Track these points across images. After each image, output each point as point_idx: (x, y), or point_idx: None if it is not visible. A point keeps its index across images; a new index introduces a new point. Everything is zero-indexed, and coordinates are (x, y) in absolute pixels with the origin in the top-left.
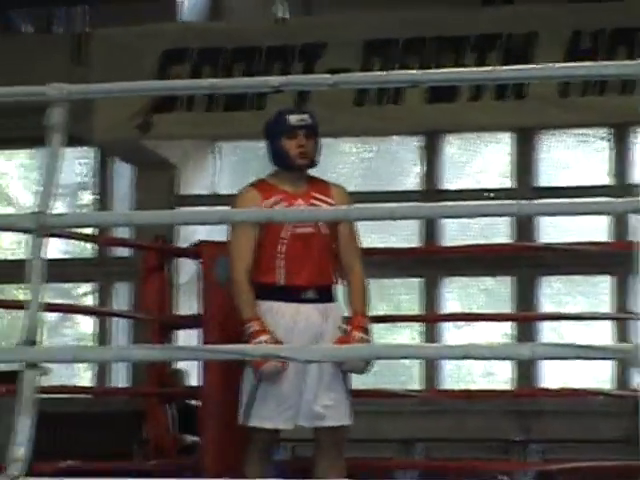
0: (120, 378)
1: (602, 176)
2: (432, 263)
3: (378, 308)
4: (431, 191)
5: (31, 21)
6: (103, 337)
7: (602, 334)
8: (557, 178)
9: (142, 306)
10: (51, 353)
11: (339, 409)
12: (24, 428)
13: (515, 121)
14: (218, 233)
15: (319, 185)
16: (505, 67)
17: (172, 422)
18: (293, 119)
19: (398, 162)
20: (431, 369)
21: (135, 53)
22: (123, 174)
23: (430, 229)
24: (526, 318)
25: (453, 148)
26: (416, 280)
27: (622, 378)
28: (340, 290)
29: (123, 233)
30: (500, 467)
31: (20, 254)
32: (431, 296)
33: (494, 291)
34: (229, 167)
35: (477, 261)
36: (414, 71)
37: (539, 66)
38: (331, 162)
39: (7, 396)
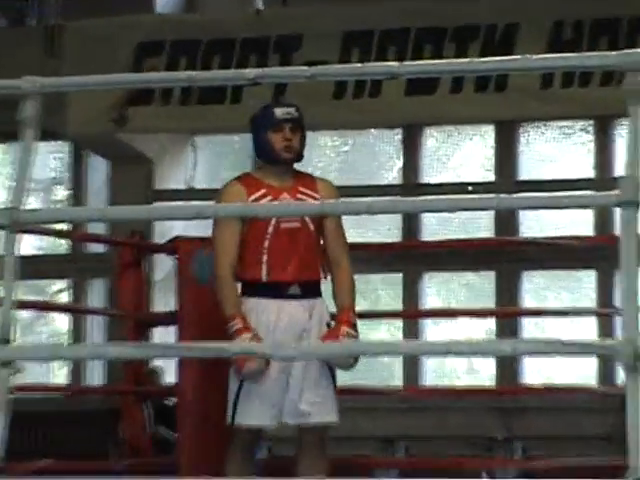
0: (96, 376)
1: (585, 169)
2: (412, 258)
3: (357, 304)
4: (411, 185)
5: (3, 13)
6: (78, 335)
7: (586, 329)
8: (539, 171)
9: (118, 303)
10: (25, 351)
11: (326, 405)
12: None
13: (496, 114)
14: (194, 228)
15: (305, 179)
16: (485, 59)
17: (148, 420)
18: (279, 112)
19: (377, 156)
20: (413, 366)
21: (110, 45)
22: (98, 168)
23: (410, 224)
24: (507, 314)
25: (433, 141)
26: (396, 275)
27: (606, 374)
28: (324, 285)
29: (99, 229)
30: (483, 465)
31: None
32: (411, 291)
33: (475, 286)
34: (205, 161)
35: (458, 256)
36: (392, 63)
37: (519, 57)
38: (308, 156)
39: None
